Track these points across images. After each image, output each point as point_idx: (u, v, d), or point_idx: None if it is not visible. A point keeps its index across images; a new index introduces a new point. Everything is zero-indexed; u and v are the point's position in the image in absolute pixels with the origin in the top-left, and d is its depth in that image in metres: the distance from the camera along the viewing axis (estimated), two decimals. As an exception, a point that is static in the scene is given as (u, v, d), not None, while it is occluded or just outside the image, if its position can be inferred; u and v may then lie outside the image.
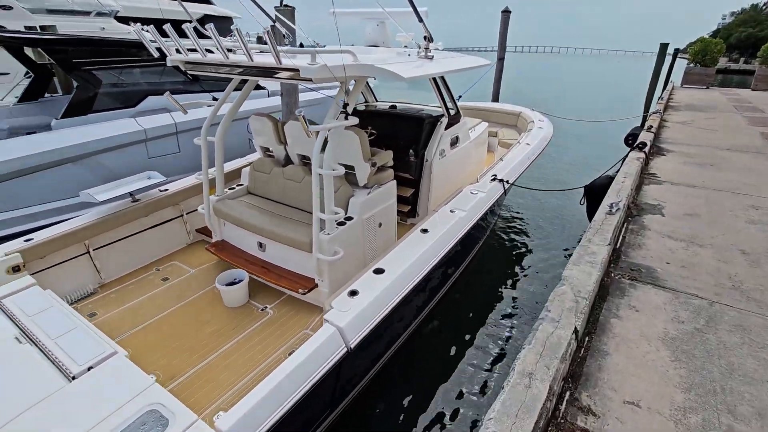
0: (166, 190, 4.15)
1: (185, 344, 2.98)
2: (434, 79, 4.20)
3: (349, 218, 3.31)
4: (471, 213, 3.65)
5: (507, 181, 4.22)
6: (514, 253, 5.66)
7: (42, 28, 7.72)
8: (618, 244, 3.66)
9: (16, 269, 3.05)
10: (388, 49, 4.30)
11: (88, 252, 3.53)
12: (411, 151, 4.33)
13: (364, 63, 2.79)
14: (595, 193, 5.39)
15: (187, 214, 4.28)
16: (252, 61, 2.56)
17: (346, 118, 2.97)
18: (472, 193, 3.93)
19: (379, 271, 2.80)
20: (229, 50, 3.03)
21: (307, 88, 8.67)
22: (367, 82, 5.48)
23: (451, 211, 3.60)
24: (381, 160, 3.51)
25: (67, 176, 4.78)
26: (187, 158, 5.97)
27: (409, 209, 4.49)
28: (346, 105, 2.96)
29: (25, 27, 7.94)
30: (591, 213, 5.23)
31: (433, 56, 3.56)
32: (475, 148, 5.24)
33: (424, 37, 3.49)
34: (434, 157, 4.28)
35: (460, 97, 9.85)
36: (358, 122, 2.99)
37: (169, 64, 3.30)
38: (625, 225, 3.93)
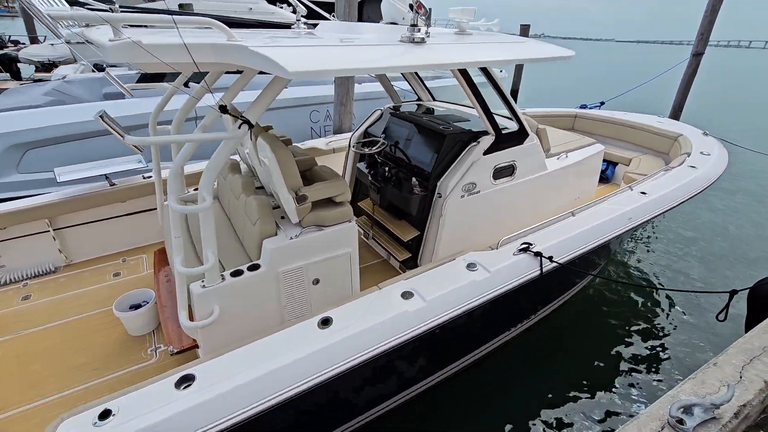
0: (151, 177, 3.84)
1: (41, 370, 2.54)
2: (463, 73, 2.72)
3: (255, 267, 2.33)
4: (433, 309, 2.13)
5: (549, 258, 2.50)
6: (557, 371, 3.39)
7: (180, 6, 8.59)
8: None
9: None
10: (381, 27, 2.97)
11: (50, 230, 3.44)
12: (414, 179, 3.00)
13: (228, 43, 1.72)
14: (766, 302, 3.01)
15: None
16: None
17: (240, 126, 1.98)
18: (468, 268, 2.41)
19: (183, 382, 1.75)
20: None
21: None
22: (416, 73, 4.17)
23: (404, 296, 2.20)
24: (316, 193, 2.36)
25: (114, 146, 5.01)
26: (239, 141, 5.75)
27: (407, 257, 3.20)
28: (223, 107, 1.95)
29: (179, 6, 8.97)
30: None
31: (423, 38, 2.16)
32: (562, 181, 3.50)
33: (410, 6, 2.12)
34: (452, 192, 2.87)
35: (602, 103, 7.35)
36: (246, 133, 1.95)
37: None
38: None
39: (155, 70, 1.73)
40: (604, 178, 5.23)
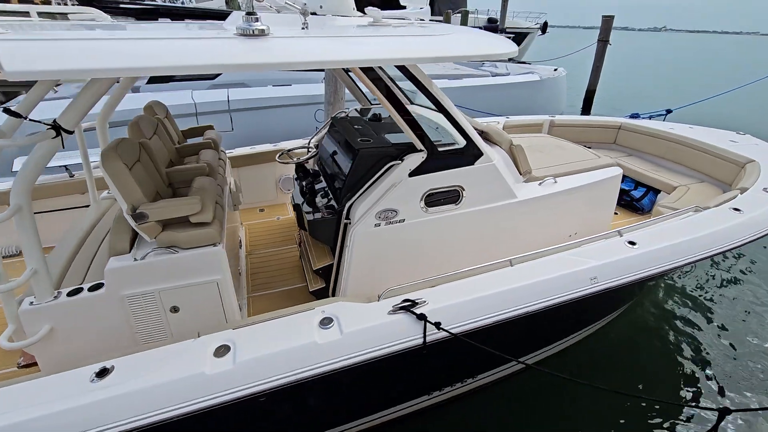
0: (110, 171, 3.85)
1: None
2: (369, 73, 2.15)
3: (98, 286, 2.10)
4: (239, 375, 1.63)
5: (437, 325, 1.86)
6: None
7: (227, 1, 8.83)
8: None
9: None
10: (288, 18, 2.48)
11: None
12: (319, 199, 2.54)
13: None
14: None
15: None
16: None
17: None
18: (321, 323, 1.88)
19: None
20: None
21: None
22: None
23: (218, 351, 1.75)
24: (160, 211, 2.04)
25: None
26: (240, 138, 5.68)
27: (320, 288, 2.75)
28: (8, 110, 1.71)
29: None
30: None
31: (264, 29, 1.69)
32: (544, 213, 2.83)
33: (244, -10, 1.66)
34: (362, 219, 2.37)
35: (668, 112, 5.95)
36: (48, 138, 1.71)
37: None
38: None
39: None
40: (639, 209, 4.18)
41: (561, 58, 13.64)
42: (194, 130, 3.36)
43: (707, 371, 3.24)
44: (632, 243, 2.43)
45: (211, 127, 3.41)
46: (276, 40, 1.70)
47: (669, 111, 5.66)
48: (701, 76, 25.43)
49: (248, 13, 1.67)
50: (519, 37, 18.90)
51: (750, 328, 3.72)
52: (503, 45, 2.13)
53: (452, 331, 1.88)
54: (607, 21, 11.91)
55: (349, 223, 2.43)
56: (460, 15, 12.58)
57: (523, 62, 13.50)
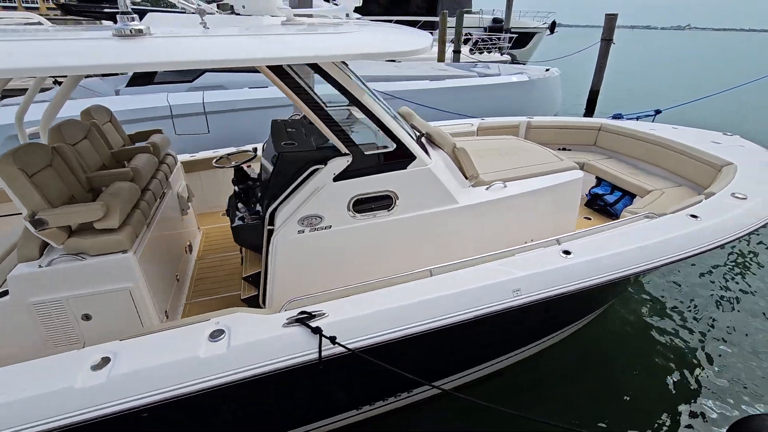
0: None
1: None
2: (281, 73, 2.06)
3: (4, 293, 2.07)
4: (113, 390, 1.56)
5: (332, 339, 1.74)
6: None
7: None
8: None
9: None
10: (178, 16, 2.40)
11: None
12: (240, 204, 2.46)
13: None
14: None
15: None
16: None
17: None
18: (211, 336, 1.79)
19: None
20: None
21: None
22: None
23: (98, 364, 1.68)
24: (61, 217, 1.99)
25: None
26: (216, 140, 5.67)
27: (252, 296, 2.67)
28: None
29: (217, 5, 9.31)
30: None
31: (142, 29, 1.63)
32: (490, 219, 2.71)
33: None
34: (284, 225, 2.29)
35: (657, 112, 5.68)
36: None
37: None
38: None
39: None
40: (614, 214, 3.98)
41: (563, 58, 13.31)
42: (141, 134, 3.34)
43: (661, 395, 3.06)
44: (567, 252, 2.27)
45: (159, 131, 3.38)
46: (155, 40, 1.63)
47: (658, 111, 5.40)
48: (721, 75, 24.53)
49: (122, 13, 1.60)
50: (525, 37, 18.56)
51: (723, 346, 3.50)
52: (414, 41, 2.02)
53: (350, 346, 1.78)
54: (611, 19, 11.54)
55: (272, 230, 2.35)
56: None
57: (518, 62, 13.25)
